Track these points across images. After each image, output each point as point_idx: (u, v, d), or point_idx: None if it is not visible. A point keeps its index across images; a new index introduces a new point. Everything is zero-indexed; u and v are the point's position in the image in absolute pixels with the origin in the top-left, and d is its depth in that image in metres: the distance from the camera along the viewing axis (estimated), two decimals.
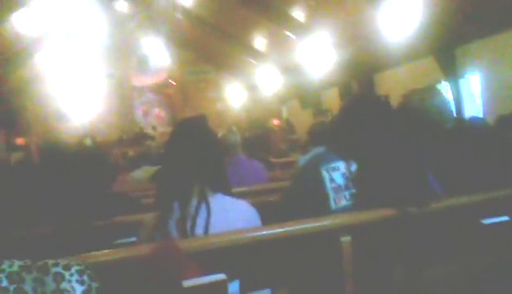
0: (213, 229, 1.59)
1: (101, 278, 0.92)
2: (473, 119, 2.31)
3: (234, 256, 1.47)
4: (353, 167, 1.73)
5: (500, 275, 1.56)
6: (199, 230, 1.59)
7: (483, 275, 1.56)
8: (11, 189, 2.58)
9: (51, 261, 0.84)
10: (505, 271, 1.57)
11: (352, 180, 1.72)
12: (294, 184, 1.96)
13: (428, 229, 1.66)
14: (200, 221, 1.60)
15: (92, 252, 1.43)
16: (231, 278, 1.34)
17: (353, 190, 1.72)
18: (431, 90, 2.19)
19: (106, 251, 1.46)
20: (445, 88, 8.30)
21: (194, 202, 1.63)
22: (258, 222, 1.72)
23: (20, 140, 12.29)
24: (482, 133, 2.10)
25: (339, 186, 1.72)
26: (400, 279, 1.50)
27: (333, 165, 1.74)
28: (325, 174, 1.73)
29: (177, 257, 1.34)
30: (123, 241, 2.06)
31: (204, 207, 1.63)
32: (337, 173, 1.73)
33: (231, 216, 1.67)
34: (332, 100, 11.87)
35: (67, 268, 0.83)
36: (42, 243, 2.07)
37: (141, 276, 1.34)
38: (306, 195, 1.76)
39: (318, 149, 3.33)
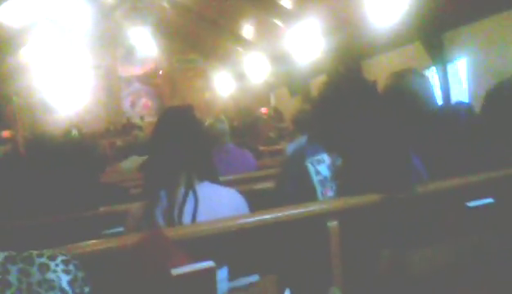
0: (200, 217, 1.60)
1: (88, 268, 0.92)
2: (459, 104, 2.32)
3: (222, 244, 1.47)
4: (338, 161, 1.73)
5: (485, 256, 1.58)
6: (186, 218, 1.59)
7: (468, 257, 1.58)
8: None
9: (35, 252, 0.84)
10: (489, 252, 1.60)
11: (337, 171, 1.72)
12: (280, 178, 1.95)
13: (414, 213, 1.67)
14: (188, 209, 1.60)
15: (80, 243, 1.42)
16: (219, 265, 1.35)
17: (338, 182, 1.72)
18: (410, 72, 2.19)
19: (94, 241, 1.46)
20: (432, 73, 8.34)
21: (181, 190, 1.64)
22: (246, 209, 1.73)
23: (5, 133, 12.14)
24: (466, 118, 2.11)
25: (325, 178, 1.72)
26: (386, 262, 1.52)
27: (318, 157, 1.74)
28: (310, 167, 1.72)
29: (164, 246, 1.35)
30: (112, 231, 2.06)
31: (191, 195, 1.63)
32: (322, 165, 1.73)
33: (218, 203, 1.67)
34: None
35: (52, 258, 0.83)
36: (30, 235, 2.07)
37: (129, 265, 1.34)
38: (292, 189, 1.75)
39: (302, 139, 3.33)
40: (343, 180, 1.70)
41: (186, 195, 1.62)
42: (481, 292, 0.94)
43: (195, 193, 1.63)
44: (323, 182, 1.71)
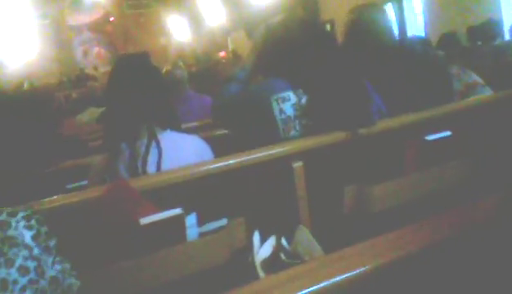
0: (165, 166, 1.58)
1: (54, 224, 0.90)
2: (414, 38, 2.35)
3: (189, 191, 1.48)
4: (304, 99, 1.72)
5: (445, 188, 1.65)
6: (150, 169, 1.58)
7: (429, 188, 1.64)
8: None
9: None
10: (449, 184, 1.66)
11: (302, 111, 1.72)
12: (238, 111, 1.89)
13: (376, 149, 1.71)
14: (151, 160, 1.59)
15: (43, 199, 1.39)
16: (187, 212, 1.35)
17: (303, 121, 1.72)
18: (370, 6, 2.19)
19: (57, 197, 1.44)
20: (388, 8, 8.35)
21: (143, 141, 1.61)
22: (210, 155, 1.72)
23: None
24: (421, 52, 2.14)
25: (289, 117, 1.72)
26: (351, 198, 1.56)
27: (282, 95, 1.73)
28: (274, 105, 1.72)
29: (130, 196, 1.34)
30: (75, 185, 2.02)
31: (154, 145, 1.60)
32: (287, 103, 1.72)
33: (182, 151, 1.66)
34: None
35: (12, 215, 0.81)
36: None
37: (96, 218, 1.33)
38: (255, 125, 1.75)
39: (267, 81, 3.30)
40: (307, 119, 1.71)
41: (148, 145, 1.60)
42: (443, 223, 0.99)
43: (157, 143, 1.60)
44: (286, 121, 1.71)
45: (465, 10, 6.78)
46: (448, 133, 1.76)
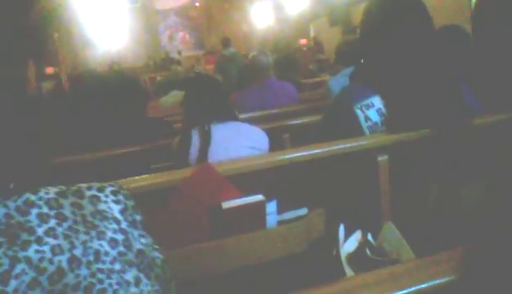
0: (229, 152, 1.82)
1: (140, 203, 0.93)
2: None
3: (272, 178, 1.48)
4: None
5: None
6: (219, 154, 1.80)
7: None
8: (46, 118, 2.62)
9: (83, 185, 0.83)
10: None
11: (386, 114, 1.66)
12: (326, 123, 1.87)
13: (466, 147, 1.62)
14: (213, 149, 1.83)
15: (130, 178, 1.46)
16: (269, 199, 1.36)
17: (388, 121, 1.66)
18: None
19: (144, 176, 1.49)
20: None
21: (208, 129, 1.87)
22: (263, 139, 2.02)
23: (49, 70, 12.34)
24: None
25: (375, 124, 1.66)
26: (437, 196, 1.50)
27: (367, 102, 1.66)
28: (359, 113, 1.66)
29: (215, 180, 1.37)
30: (160, 165, 2.09)
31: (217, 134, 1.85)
32: (372, 110, 1.66)
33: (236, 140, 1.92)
34: None
35: (101, 190, 0.83)
36: (78, 171, 2.13)
37: (179, 199, 1.38)
38: (341, 136, 1.70)
39: (345, 72, 3.20)
40: (391, 120, 1.64)
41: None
42: None
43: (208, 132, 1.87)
44: (373, 128, 1.65)
45: None
46: None
